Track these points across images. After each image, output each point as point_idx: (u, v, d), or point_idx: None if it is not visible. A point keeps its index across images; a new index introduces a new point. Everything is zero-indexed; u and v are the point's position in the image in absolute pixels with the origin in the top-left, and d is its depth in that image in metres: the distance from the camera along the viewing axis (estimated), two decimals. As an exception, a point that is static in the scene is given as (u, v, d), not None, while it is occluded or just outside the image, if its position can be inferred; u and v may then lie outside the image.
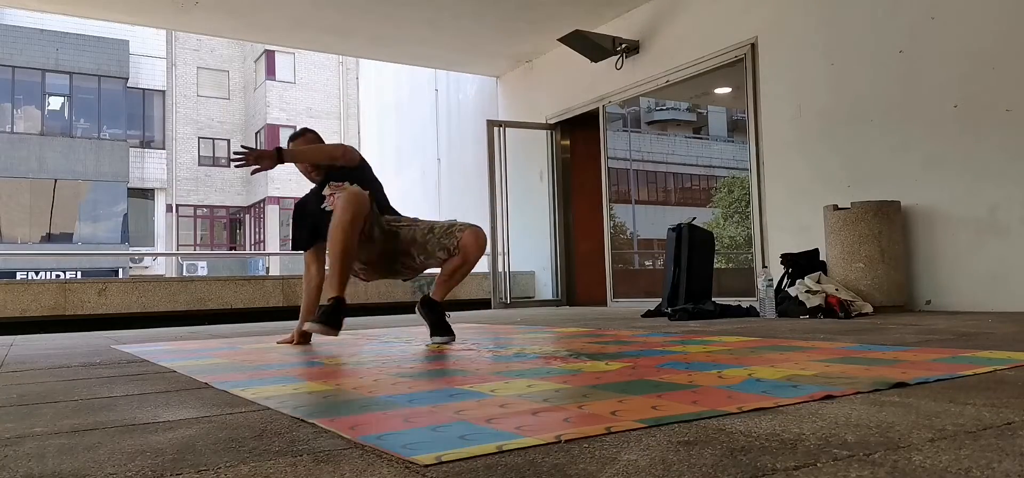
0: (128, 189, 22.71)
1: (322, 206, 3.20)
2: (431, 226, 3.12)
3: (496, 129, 7.96)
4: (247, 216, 25.37)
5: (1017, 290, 4.13)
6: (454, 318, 3.85)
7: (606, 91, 7.22)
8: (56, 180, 21.69)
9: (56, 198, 21.76)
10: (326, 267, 3.14)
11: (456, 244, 3.02)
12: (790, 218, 5.37)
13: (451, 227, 3.09)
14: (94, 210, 22.37)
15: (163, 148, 24.17)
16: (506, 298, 7.92)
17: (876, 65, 4.83)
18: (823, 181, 5.10)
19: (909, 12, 4.67)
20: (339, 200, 2.93)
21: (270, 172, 23.49)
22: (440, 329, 3.02)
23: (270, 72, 24.18)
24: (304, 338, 3.21)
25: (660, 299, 5.40)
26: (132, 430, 1.33)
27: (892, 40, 4.74)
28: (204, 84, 24.91)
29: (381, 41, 7.96)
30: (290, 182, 23.75)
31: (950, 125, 4.44)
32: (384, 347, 2.99)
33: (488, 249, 7.85)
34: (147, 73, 23.92)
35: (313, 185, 3.43)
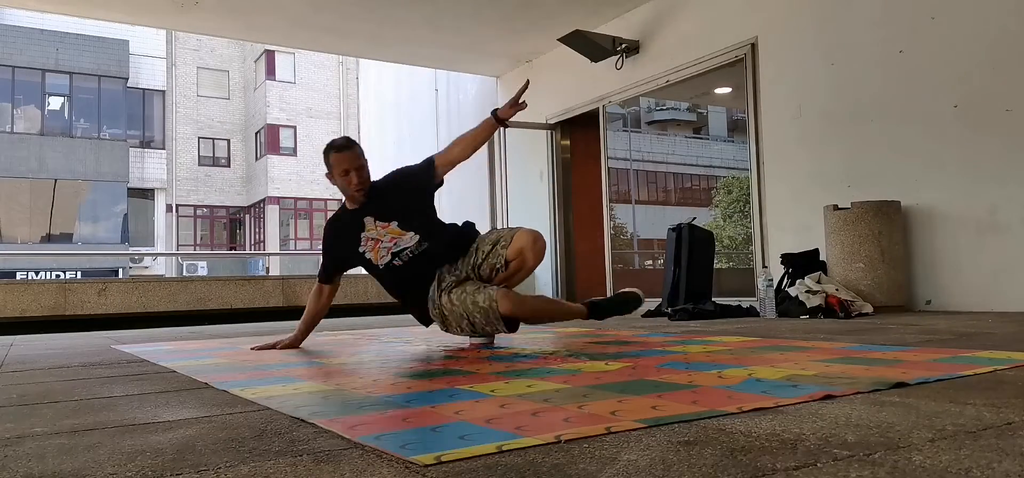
0: (128, 189, 22.72)
1: (359, 248, 2.98)
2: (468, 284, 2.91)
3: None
4: (247, 216, 25.38)
5: (1017, 290, 4.13)
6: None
7: (606, 91, 7.22)
8: (56, 180, 21.69)
9: (56, 198, 21.76)
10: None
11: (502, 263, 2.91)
12: (790, 218, 5.37)
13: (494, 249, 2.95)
14: (94, 210, 22.37)
15: (163, 148, 24.18)
16: (506, 298, 7.91)
17: (876, 65, 4.83)
18: (823, 181, 5.10)
19: (909, 12, 4.67)
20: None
21: (270, 171, 23.49)
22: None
23: (270, 72, 24.19)
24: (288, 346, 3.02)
25: (660, 299, 5.40)
26: (132, 430, 1.33)
27: (892, 40, 4.74)
28: (204, 84, 24.92)
29: (381, 41, 7.96)
30: (289, 182, 23.78)
31: (950, 125, 4.44)
32: (384, 347, 2.99)
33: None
34: (147, 73, 23.93)
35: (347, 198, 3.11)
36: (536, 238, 2.92)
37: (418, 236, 2.94)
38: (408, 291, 3.03)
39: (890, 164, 4.75)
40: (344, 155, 2.97)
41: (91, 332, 5.14)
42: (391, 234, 2.96)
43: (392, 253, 2.93)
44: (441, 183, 3.15)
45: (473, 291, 2.82)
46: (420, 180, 3.09)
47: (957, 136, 4.41)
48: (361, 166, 2.98)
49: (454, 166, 3.17)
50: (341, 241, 3.08)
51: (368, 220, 2.99)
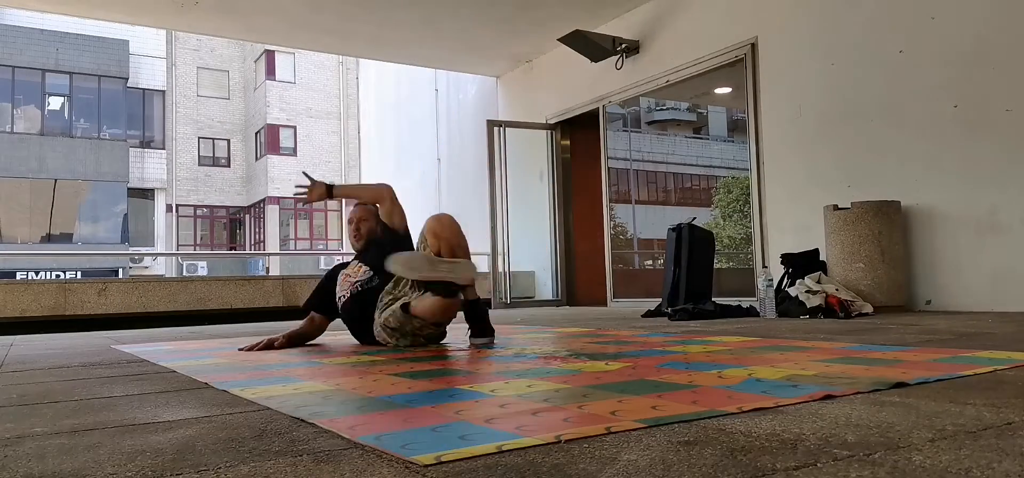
0: (128, 189, 22.71)
1: (337, 283, 3.18)
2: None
3: (496, 129, 7.96)
4: (247, 216, 25.37)
5: (1017, 290, 4.13)
6: (455, 318, 3.85)
7: (606, 91, 7.22)
8: (56, 180, 21.68)
9: (56, 198, 21.76)
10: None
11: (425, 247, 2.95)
12: (790, 218, 5.37)
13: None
14: (94, 210, 22.36)
15: (163, 148, 24.17)
16: (506, 298, 7.92)
17: (876, 65, 4.83)
18: (823, 181, 5.10)
19: (909, 12, 4.67)
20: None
21: (270, 171, 23.49)
22: (481, 331, 2.89)
23: (270, 72, 24.18)
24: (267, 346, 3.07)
25: (660, 299, 5.40)
26: (132, 430, 1.33)
27: (892, 40, 4.74)
28: (204, 84, 24.91)
29: (381, 41, 7.96)
30: (289, 182, 23.76)
31: (950, 125, 4.44)
32: (384, 347, 2.99)
33: (488, 249, 7.87)
34: (147, 73, 23.92)
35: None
36: (437, 216, 3.01)
37: (371, 271, 3.10)
38: (354, 324, 3.15)
39: (890, 164, 4.75)
40: (352, 209, 3.38)
41: (91, 332, 5.14)
42: (359, 272, 3.16)
43: (350, 287, 3.12)
44: (398, 227, 3.23)
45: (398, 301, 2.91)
46: (387, 233, 3.28)
47: (957, 136, 4.41)
48: (360, 219, 3.28)
49: (385, 213, 3.30)
50: (328, 275, 3.34)
51: (354, 263, 3.23)
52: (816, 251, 4.83)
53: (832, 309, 4.15)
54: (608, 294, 7.39)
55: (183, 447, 1.16)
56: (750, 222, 5.87)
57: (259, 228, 24.51)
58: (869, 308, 4.28)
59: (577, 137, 8.08)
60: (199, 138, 24.73)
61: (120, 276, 18.98)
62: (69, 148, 21.88)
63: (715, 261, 5.64)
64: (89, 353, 3.12)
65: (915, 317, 3.96)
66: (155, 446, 1.17)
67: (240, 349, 2.99)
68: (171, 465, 1.04)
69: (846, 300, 4.21)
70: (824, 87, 5.15)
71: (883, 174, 4.76)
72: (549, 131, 8.13)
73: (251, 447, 1.15)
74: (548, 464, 0.97)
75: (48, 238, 21.69)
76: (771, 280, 4.49)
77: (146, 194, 23.97)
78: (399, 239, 3.18)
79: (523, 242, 8.15)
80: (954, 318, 3.73)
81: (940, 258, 4.51)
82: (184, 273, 19.73)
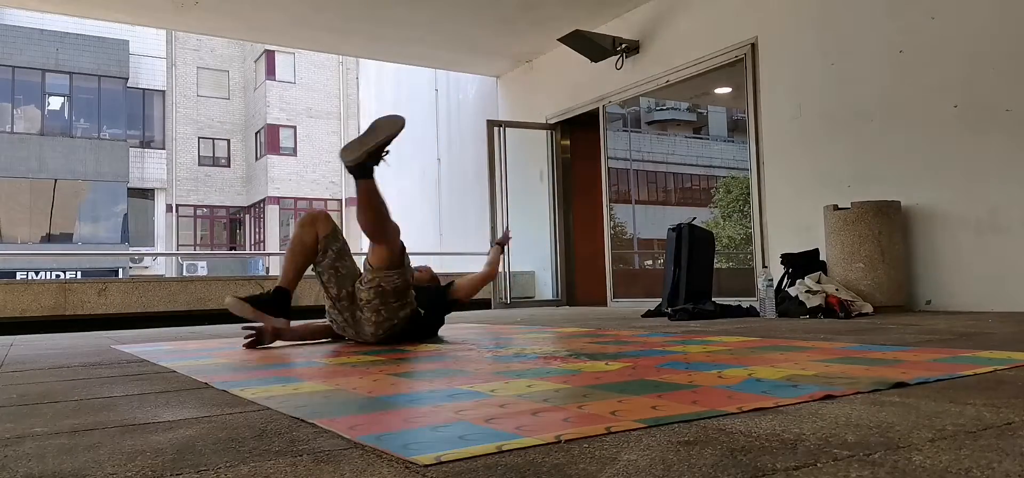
0: (128, 189, 22.72)
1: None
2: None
3: (496, 129, 7.96)
4: (247, 216, 25.38)
5: (1017, 290, 4.13)
6: (455, 318, 3.88)
7: (606, 91, 7.22)
8: (56, 180, 21.69)
9: (56, 198, 21.76)
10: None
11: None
12: (790, 218, 5.37)
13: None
14: (94, 210, 22.37)
15: (163, 148, 24.18)
16: (506, 298, 7.92)
17: (876, 65, 4.83)
18: (823, 181, 5.10)
19: (909, 12, 4.67)
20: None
21: (270, 171, 23.48)
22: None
23: (270, 72, 24.18)
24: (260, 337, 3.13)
25: (660, 299, 5.40)
26: (132, 430, 1.33)
27: (892, 40, 4.75)
28: (204, 84, 24.92)
29: (381, 41, 7.96)
30: (289, 182, 23.79)
31: (950, 125, 4.45)
32: (384, 346, 2.99)
33: (488, 249, 7.87)
34: (147, 73, 23.93)
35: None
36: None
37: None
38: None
39: (890, 164, 4.75)
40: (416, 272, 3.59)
41: (91, 332, 5.14)
42: None
43: None
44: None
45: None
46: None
47: (957, 136, 4.42)
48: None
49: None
50: None
51: None
52: (816, 251, 4.83)
53: (832, 309, 4.15)
54: (608, 294, 7.39)
55: (183, 447, 1.16)
56: (750, 222, 5.87)
57: (259, 228, 24.52)
58: (869, 308, 4.28)
59: (577, 137, 8.08)
60: (199, 138, 24.74)
61: (120, 276, 18.98)
62: (69, 148, 21.88)
63: (715, 261, 5.65)
64: (89, 353, 3.12)
65: (915, 317, 3.96)
66: (155, 446, 1.17)
67: (244, 344, 3.03)
68: (171, 465, 1.04)
69: (846, 300, 4.21)
70: (824, 87, 5.15)
71: (883, 174, 4.76)
72: (549, 131, 8.13)
73: (251, 447, 1.14)
74: (548, 464, 0.97)
75: (48, 238, 21.70)
76: (771, 280, 4.49)
77: (146, 194, 23.98)
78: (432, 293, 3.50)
79: (523, 242, 8.14)
80: (954, 318, 3.73)
81: (940, 258, 4.51)
82: (184, 273, 19.73)
